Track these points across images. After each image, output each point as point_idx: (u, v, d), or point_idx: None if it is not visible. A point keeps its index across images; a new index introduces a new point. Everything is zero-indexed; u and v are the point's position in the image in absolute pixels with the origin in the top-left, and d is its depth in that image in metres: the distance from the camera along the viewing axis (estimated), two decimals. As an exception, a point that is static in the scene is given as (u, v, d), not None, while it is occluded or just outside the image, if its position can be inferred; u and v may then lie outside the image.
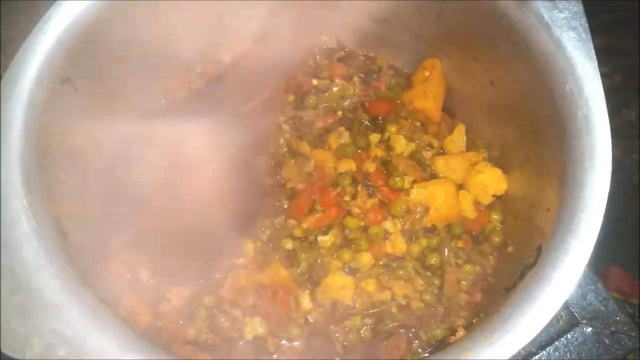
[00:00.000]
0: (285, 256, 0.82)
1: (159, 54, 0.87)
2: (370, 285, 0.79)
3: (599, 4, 0.74)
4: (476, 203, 0.86)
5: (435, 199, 0.83)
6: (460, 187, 0.87)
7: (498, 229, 0.85)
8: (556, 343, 0.81)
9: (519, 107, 0.80)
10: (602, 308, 0.83)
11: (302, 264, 0.81)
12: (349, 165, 0.86)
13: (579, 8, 0.72)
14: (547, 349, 0.81)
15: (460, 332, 0.69)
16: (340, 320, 0.78)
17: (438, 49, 0.93)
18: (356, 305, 0.79)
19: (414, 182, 0.85)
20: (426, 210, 0.83)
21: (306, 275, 0.81)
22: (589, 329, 0.81)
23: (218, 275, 0.81)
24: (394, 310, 0.79)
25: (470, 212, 0.85)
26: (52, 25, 0.72)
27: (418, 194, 0.83)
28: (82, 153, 0.80)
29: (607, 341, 0.80)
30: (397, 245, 0.81)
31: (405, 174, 0.85)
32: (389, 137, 0.89)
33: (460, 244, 0.84)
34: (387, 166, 0.87)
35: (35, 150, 0.67)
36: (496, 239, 0.84)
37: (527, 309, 0.57)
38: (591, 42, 0.71)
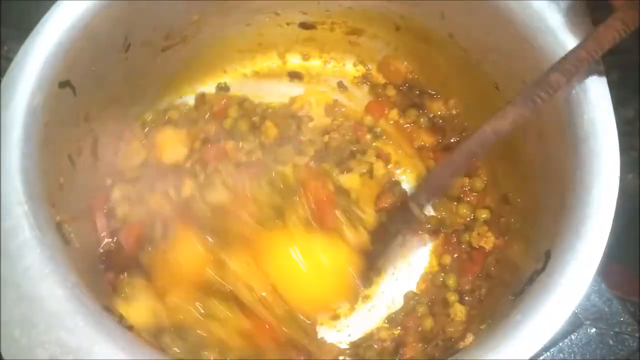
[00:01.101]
0: None
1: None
2: None
3: (595, 1, 0.73)
4: None
5: None
6: None
7: None
8: (560, 344, 0.81)
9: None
10: (606, 309, 0.82)
11: None
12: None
13: (584, 11, 0.71)
14: (551, 350, 0.80)
15: (469, 338, 0.69)
16: None
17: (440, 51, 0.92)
18: None
19: None
20: None
21: None
22: (593, 330, 0.81)
23: None
24: None
25: None
26: (52, 26, 0.71)
27: None
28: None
29: (611, 342, 0.80)
30: None
31: None
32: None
33: None
34: None
35: (36, 155, 0.66)
36: None
37: (536, 315, 0.57)
38: (597, 44, 0.70)
